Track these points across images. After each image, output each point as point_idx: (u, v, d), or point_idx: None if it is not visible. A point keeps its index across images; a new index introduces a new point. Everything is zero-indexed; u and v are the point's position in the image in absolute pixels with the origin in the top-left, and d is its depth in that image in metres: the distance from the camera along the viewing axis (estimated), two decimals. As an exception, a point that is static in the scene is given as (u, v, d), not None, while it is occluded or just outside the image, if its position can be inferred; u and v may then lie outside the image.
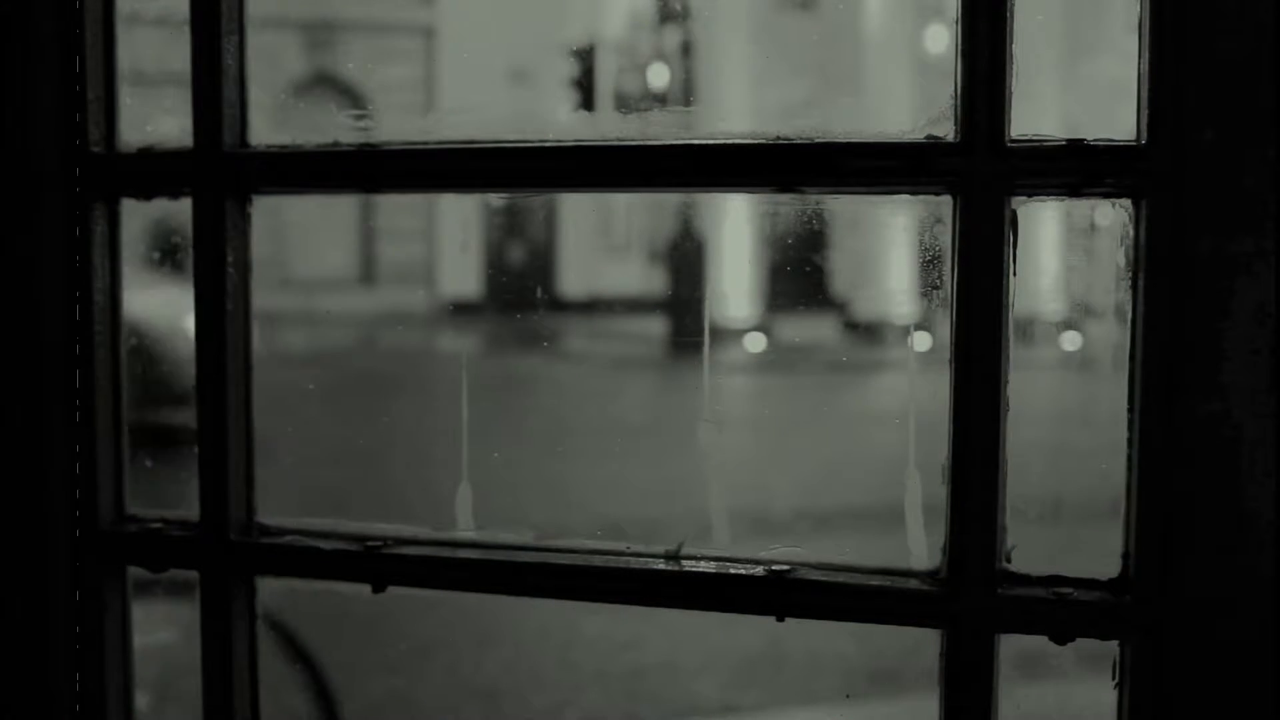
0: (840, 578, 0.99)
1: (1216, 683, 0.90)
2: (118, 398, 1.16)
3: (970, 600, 0.94)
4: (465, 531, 1.12)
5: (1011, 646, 0.95)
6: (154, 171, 1.14)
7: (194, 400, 1.11)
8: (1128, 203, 0.91)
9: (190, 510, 1.13)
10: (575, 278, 27.58)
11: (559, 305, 25.57)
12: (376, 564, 1.09)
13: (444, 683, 5.22)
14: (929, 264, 1.04)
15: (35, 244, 1.14)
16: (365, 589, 1.10)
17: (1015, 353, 0.93)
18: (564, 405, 13.91)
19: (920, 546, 0.98)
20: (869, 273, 23.42)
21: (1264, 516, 0.88)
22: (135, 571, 1.17)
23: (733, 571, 1.01)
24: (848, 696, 5.28)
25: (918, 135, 0.94)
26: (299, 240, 23.44)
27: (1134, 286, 0.90)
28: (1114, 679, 0.93)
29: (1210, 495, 0.89)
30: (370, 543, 1.09)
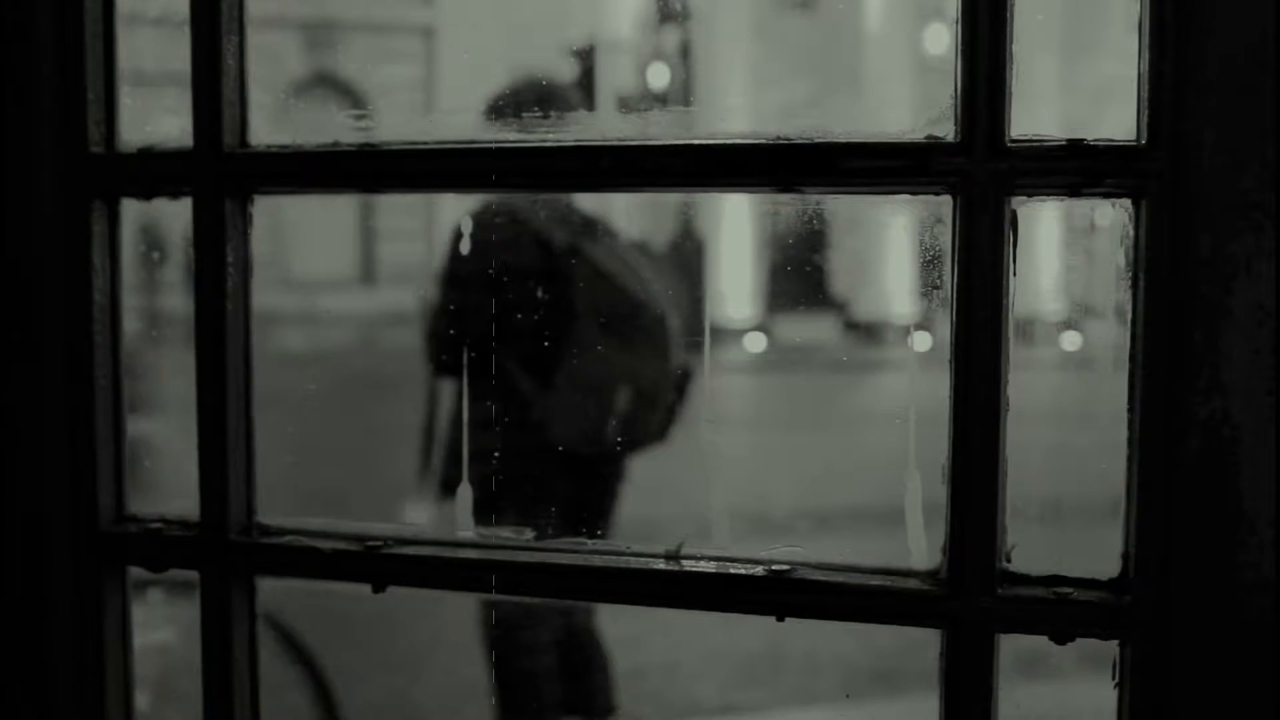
0: (840, 578, 0.99)
1: (1217, 683, 0.90)
2: (118, 397, 1.16)
3: (970, 600, 0.94)
4: (465, 531, 1.12)
5: (1011, 646, 0.95)
6: (154, 171, 1.14)
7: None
8: (1128, 203, 0.91)
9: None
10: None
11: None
12: (376, 564, 1.09)
13: (444, 683, 5.22)
14: (929, 264, 1.04)
15: (35, 244, 1.14)
16: (365, 589, 1.10)
17: (1015, 353, 0.93)
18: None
19: (920, 546, 0.98)
20: (869, 273, 23.42)
21: (1264, 516, 0.88)
22: (135, 571, 1.17)
23: (733, 571, 1.01)
24: (848, 696, 5.28)
25: (918, 135, 0.94)
26: (299, 240, 23.44)
27: (1134, 286, 0.90)
28: (1114, 679, 0.93)
29: (1210, 495, 0.89)
30: (370, 543, 1.09)
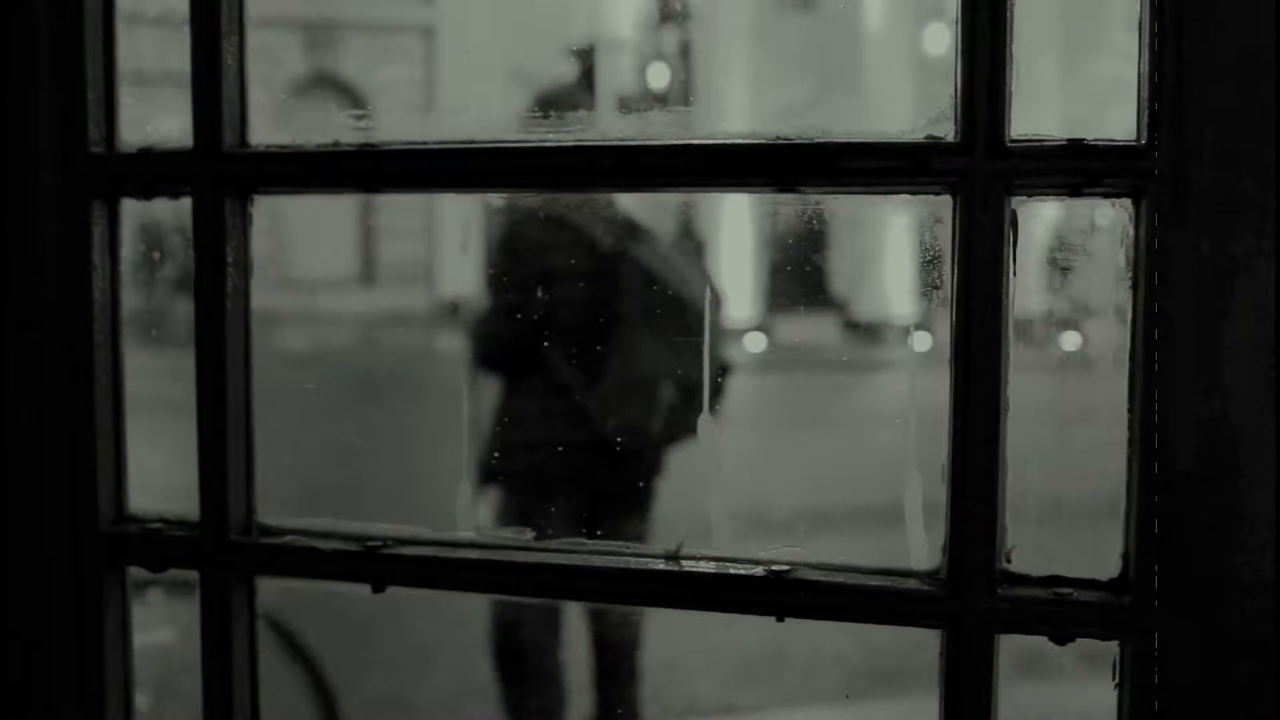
0: (840, 578, 0.99)
1: (1216, 683, 0.90)
2: (118, 397, 1.16)
3: (970, 600, 0.94)
4: (465, 531, 1.12)
5: (1011, 646, 0.95)
6: (154, 171, 1.14)
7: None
8: (1128, 203, 0.91)
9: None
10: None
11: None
12: (376, 564, 1.09)
13: (444, 683, 5.22)
14: (929, 264, 1.04)
15: (35, 244, 1.14)
16: (365, 589, 1.10)
17: (1015, 352, 0.93)
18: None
19: (920, 546, 0.98)
20: (869, 273, 23.41)
21: (1264, 516, 0.88)
22: (135, 571, 1.17)
23: (732, 572, 1.01)
24: (847, 696, 5.28)
25: (918, 135, 0.94)
26: (299, 240, 23.42)
27: (1134, 286, 0.90)
28: (1114, 679, 0.93)
29: (1210, 495, 0.89)
30: (370, 543, 1.09)
